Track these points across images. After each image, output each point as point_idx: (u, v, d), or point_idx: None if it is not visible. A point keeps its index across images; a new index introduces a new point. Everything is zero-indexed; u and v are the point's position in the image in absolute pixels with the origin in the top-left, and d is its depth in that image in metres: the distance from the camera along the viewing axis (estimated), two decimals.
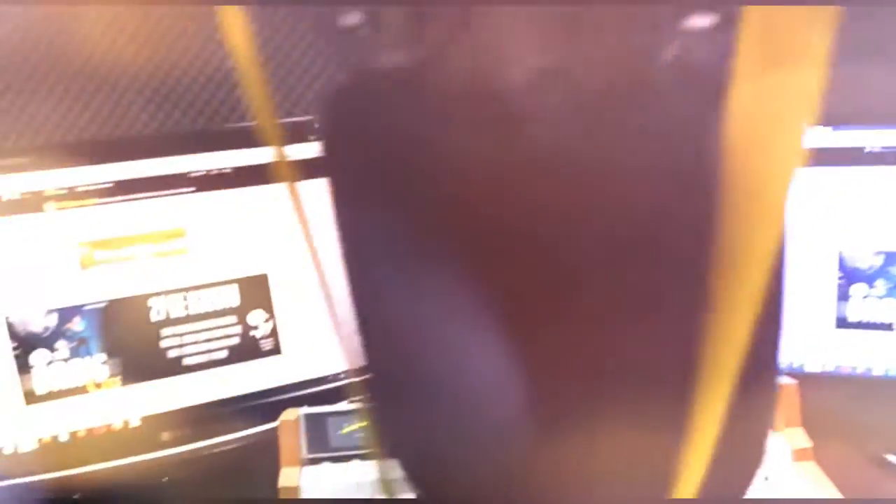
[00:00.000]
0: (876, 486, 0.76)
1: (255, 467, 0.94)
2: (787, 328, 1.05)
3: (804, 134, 0.27)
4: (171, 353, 0.95)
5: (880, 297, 0.96)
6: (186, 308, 0.96)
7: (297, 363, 1.02)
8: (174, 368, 0.95)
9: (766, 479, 0.81)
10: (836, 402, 0.94)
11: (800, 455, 0.84)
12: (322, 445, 0.84)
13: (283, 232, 1.00)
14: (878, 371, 0.97)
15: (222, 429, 0.98)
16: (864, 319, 0.96)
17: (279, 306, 1.00)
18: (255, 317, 0.99)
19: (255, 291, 0.99)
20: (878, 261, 0.95)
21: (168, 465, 0.96)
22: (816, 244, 0.97)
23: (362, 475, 0.81)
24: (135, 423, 0.93)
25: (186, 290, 0.95)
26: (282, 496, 0.79)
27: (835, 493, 0.76)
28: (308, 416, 0.85)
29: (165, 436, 0.95)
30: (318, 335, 1.03)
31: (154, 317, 0.94)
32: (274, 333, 1.00)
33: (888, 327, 0.95)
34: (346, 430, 0.84)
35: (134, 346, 0.93)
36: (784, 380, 0.93)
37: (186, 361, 0.96)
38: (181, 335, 0.96)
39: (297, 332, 1.02)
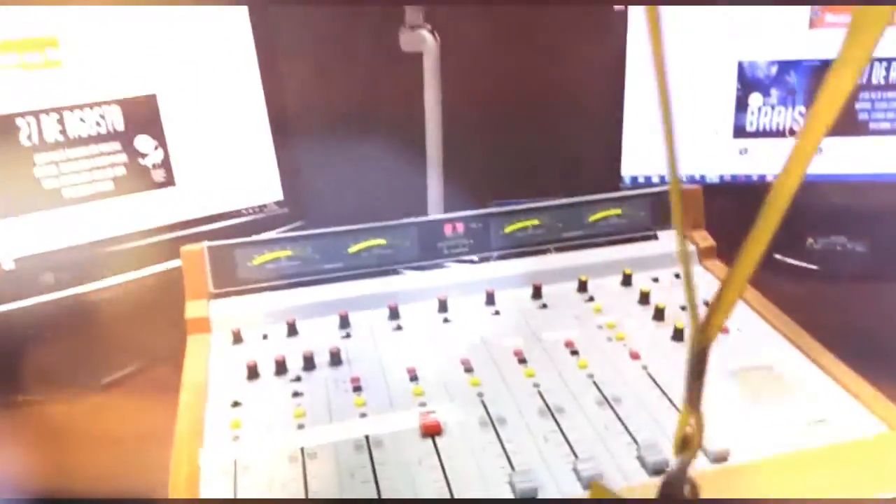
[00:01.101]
0: (766, 282, 0.82)
1: (158, 305, 0.89)
2: (688, 139, 1.07)
3: None
4: (48, 184, 0.85)
5: (773, 106, 1.00)
6: (63, 132, 0.85)
7: (194, 196, 0.95)
8: (52, 201, 0.85)
9: (677, 276, 0.86)
10: (735, 207, 0.99)
11: (706, 254, 0.89)
12: (229, 279, 0.79)
13: (176, 46, 0.89)
14: (772, 177, 1.03)
15: (112, 270, 0.91)
16: (760, 127, 1.01)
17: (171, 133, 0.91)
18: (143, 143, 0.89)
19: (143, 114, 0.89)
20: (774, 70, 0.98)
21: (53, 311, 0.88)
22: (717, 54, 0.99)
23: (274, 305, 0.77)
24: (8, 265, 0.84)
25: (62, 109, 0.85)
26: (190, 328, 0.75)
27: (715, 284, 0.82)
28: (213, 249, 0.80)
29: (48, 278, 0.87)
30: (216, 167, 0.95)
31: (24, 141, 0.83)
32: (166, 163, 0.91)
33: (782, 134, 1.01)
34: (256, 262, 0.80)
35: (2, 174, 0.82)
36: (688, 185, 0.97)
37: (67, 193, 0.86)
38: (58, 163, 0.85)
39: (193, 163, 0.94)
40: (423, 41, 0.86)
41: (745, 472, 0.57)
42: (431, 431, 0.61)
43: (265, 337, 0.75)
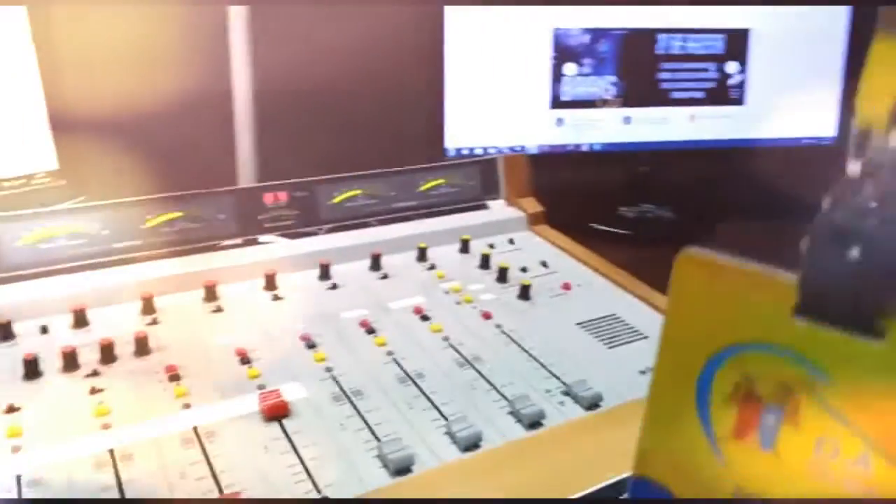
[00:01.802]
0: (588, 247, 0.83)
1: None
2: (508, 110, 1.07)
3: None
4: None
5: (587, 76, 1.03)
6: None
7: None
8: None
9: (512, 241, 0.84)
10: (555, 176, 1.00)
11: (535, 219, 0.88)
12: None
13: None
14: (585, 146, 1.05)
15: None
16: (575, 97, 1.03)
17: None
18: None
19: None
20: (587, 38, 1.01)
21: None
22: (532, 23, 0.99)
23: (54, 292, 0.62)
24: None
25: None
26: None
27: (559, 253, 0.81)
28: None
29: None
30: None
31: None
32: None
33: (594, 104, 1.03)
34: (25, 241, 0.64)
35: None
36: (515, 153, 0.96)
37: None
38: None
39: None
40: None
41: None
42: (276, 413, 0.51)
43: (44, 330, 0.59)
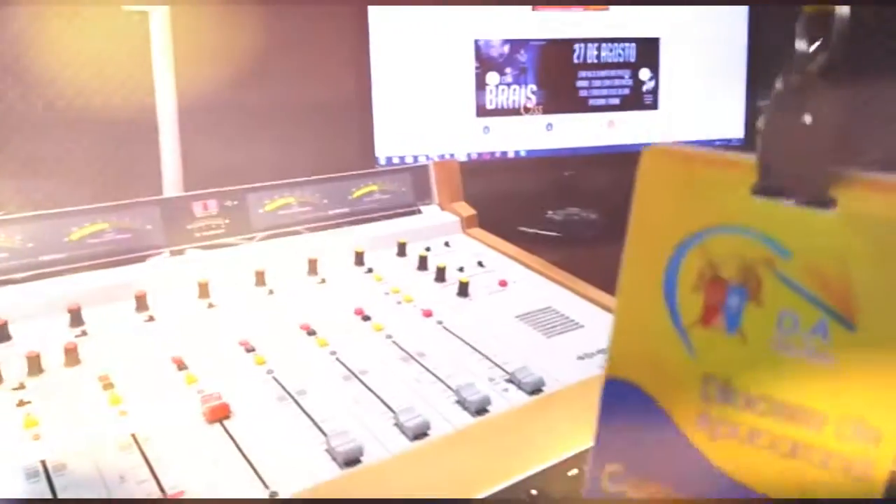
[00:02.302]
0: (514, 255, 0.85)
1: None
2: (436, 119, 1.08)
3: None
4: None
5: (509, 84, 1.05)
6: None
7: None
8: None
9: (447, 244, 0.84)
10: (484, 182, 1.02)
11: (468, 222, 0.90)
12: None
13: None
14: (511, 153, 1.08)
15: None
16: (499, 105, 1.06)
17: None
18: None
19: None
20: (507, 48, 1.04)
21: None
22: (454, 34, 1.02)
23: None
24: None
25: None
26: None
27: (494, 254, 0.83)
28: None
29: None
30: None
31: None
32: None
33: (517, 112, 1.06)
34: None
35: None
36: (445, 160, 0.98)
37: None
38: None
39: None
40: None
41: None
42: (218, 415, 0.50)
43: None
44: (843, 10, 0.18)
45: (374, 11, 0.97)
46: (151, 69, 0.79)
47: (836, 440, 0.19)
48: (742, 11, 1.11)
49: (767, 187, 0.19)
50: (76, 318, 0.60)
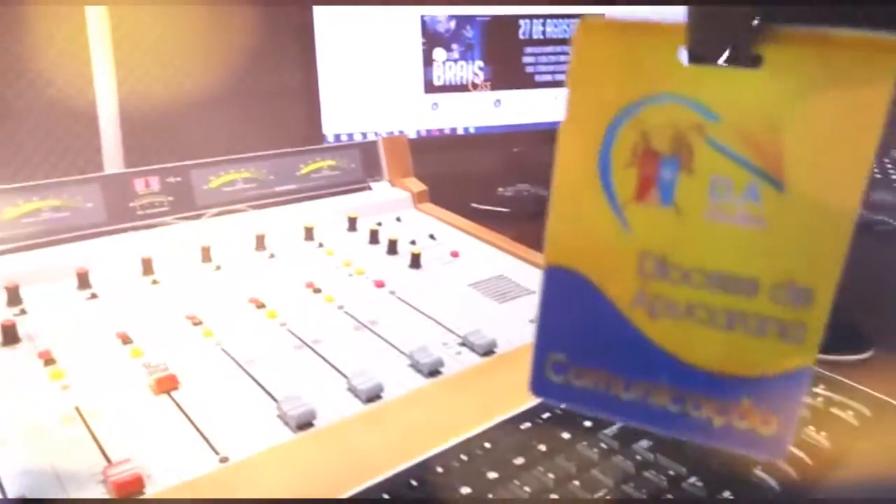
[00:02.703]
0: (465, 228, 0.86)
1: None
2: (384, 96, 1.08)
3: None
4: None
5: (456, 61, 1.05)
6: None
7: None
8: None
9: (399, 219, 0.84)
10: (435, 159, 1.02)
11: (419, 198, 0.89)
12: None
13: None
14: (460, 129, 1.08)
15: None
16: (446, 82, 1.05)
17: None
18: None
19: None
20: (453, 24, 1.04)
21: None
22: (401, 10, 1.01)
23: None
24: None
25: None
26: None
27: (445, 227, 0.83)
28: None
29: None
30: None
31: None
32: None
33: (465, 88, 1.06)
34: None
35: None
36: (394, 136, 0.97)
37: None
38: None
39: None
40: None
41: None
42: (165, 387, 0.49)
43: None
44: None
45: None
46: (89, 47, 0.76)
47: (769, 305, 0.20)
48: None
49: (696, 51, 0.19)
50: (14, 296, 0.58)
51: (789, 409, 0.20)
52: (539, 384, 0.24)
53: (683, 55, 0.19)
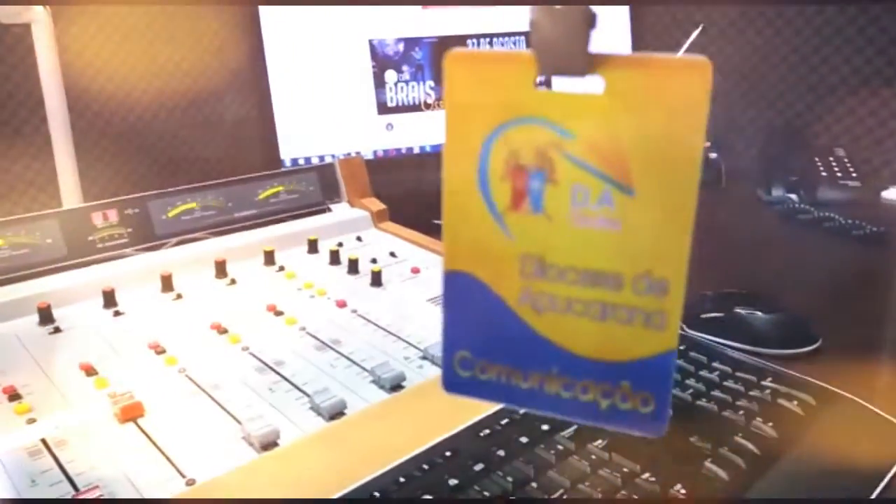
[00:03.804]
0: (426, 245, 0.87)
1: None
2: (338, 119, 1.09)
3: None
4: None
5: (407, 82, 1.07)
6: None
7: None
8: None
9: (359, 239, 0.86)
10: (392, 179, 1.03)
11: (379, 217, 0.91)
12: None
13: None
14: (417, 148, 1.10)
15: None
16: (399, 103, 1.08)
17: None
18: None
19: None
20: (401, 47, 1.06)
21: None
22: (348, 34, 1.03)
23: None
24: None
25: None
26: None
27: (406, 244, 0.85)
28: None
29: None
30: None
31: None
32: None
33: (418, 108, 1.08)
34: None
35: None
36: (351, 157, 0.99)
37: None
38: None
39: None
40: (29, 10, 0.72)
41: None
42: (131, 414, 0.49)
43: None
44: None
45: (265, 14, 0.98)
46: (39, 80, 0.77)
47: (633, 297, 0.22)
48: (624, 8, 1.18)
49: (546, 76, 0.22)
50: None
51: (663, 388, 0.22)
52: (450, 381, 0.26)
53: (537, 81, 0.22)
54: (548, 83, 0.23)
